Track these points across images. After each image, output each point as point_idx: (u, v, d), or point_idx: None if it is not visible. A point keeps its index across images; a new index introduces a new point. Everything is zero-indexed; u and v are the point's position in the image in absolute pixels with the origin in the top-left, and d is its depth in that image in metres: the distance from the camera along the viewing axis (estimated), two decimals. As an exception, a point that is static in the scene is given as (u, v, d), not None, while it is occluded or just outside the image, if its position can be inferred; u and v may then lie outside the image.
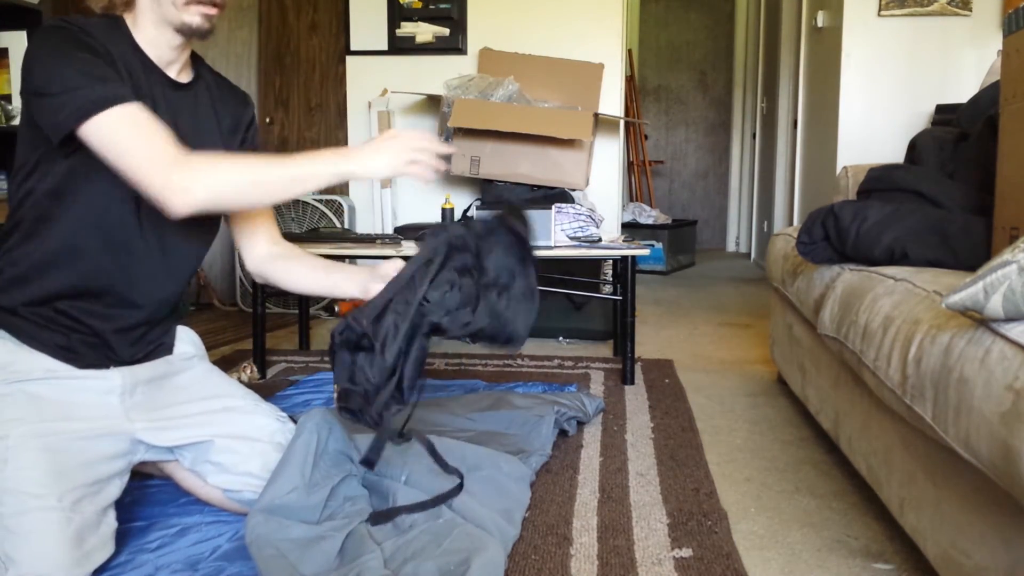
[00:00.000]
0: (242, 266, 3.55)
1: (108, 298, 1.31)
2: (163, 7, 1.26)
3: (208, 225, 1.42)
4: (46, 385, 1.26)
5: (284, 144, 3.88)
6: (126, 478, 1.31)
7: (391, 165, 1.21)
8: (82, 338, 1.30)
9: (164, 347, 1.45)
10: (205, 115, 1.39)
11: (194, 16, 1.26)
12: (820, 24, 3.91)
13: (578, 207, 2.57)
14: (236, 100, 1.47)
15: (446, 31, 3.63)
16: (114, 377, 1.33)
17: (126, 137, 1.14)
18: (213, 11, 1.28)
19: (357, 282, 1.40)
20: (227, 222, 1.49)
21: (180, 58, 1.34)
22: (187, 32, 1.28)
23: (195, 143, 1.30)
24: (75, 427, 1.24)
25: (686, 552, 1.29)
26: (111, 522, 1.24)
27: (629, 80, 5.92)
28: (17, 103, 2.73)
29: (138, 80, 1.26)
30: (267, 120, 3.80)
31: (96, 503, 1.21)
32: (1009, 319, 0.88)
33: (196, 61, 1.41)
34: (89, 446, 1.25)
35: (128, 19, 1.29)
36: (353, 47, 3.73)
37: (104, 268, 1.29)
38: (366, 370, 1.18)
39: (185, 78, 1.37)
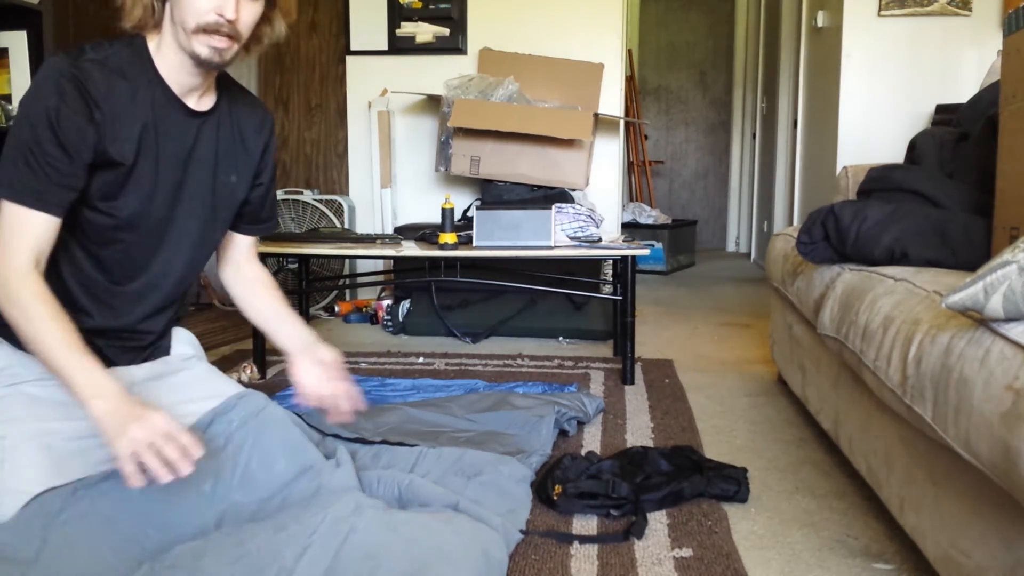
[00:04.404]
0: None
1: (102, 315, 1.32)
2: (178, 33, 1.22)
3: (209, 247, 1.42)
4: (42, 386, 1.26)
5: (284, 144, 3.88)
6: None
7: (118, 437, 1.07)
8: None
9: (160, 350, 1.45)
10: (227, 141, 1.37)
11: (202, 47, 1.21)
12: (820, 24, 3.91)
13: (578, 207, 2.57)
14: (255, 122, 1.43)
15: (446, 31, 3.63)
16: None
17: (3, 228, 1.16)
18: (223, 44, 1.21)
19: (293, 347, 1.42)
20: None
21: (201, 85, 1.30)
22: (198, 63, 1.24)
23: (219, 170, 1.32)
24: (73, 427, 1.24)
25: (686, 552, 1.29)
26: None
27: (629, 80, 5.92)
28: (17, 103, 2.73)
29: (144, 116, 1.24)
30: (267, 120, 3.79)
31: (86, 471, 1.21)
32: (1009, 319, 0.88)
33: (221, 83, 1.36)
34: (87, 446, 1.24)
35: (153, 42, 1.26)
36: (353, 47, 3.73)
37: (99, 291, 1.31)
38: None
39: (206, 104, 1.33)
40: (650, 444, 1.83)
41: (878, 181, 1.81)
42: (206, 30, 1.19)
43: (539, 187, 3.20)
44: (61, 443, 1.22)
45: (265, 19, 1.28)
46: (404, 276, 3.26)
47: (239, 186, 1.41)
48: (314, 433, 1.51)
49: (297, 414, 1.50)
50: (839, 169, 2.56)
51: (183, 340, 1.51)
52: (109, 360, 1.33)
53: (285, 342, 1.44)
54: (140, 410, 1.09)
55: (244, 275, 1.51)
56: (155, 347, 1.44)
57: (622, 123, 3.71)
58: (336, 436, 1.64)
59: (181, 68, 1.26)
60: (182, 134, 1.30)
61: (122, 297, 1.32)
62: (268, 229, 1.54)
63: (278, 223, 1.53)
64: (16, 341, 1.27)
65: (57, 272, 1.26)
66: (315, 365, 1.39)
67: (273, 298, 1.50)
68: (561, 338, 3.07)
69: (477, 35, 3.63)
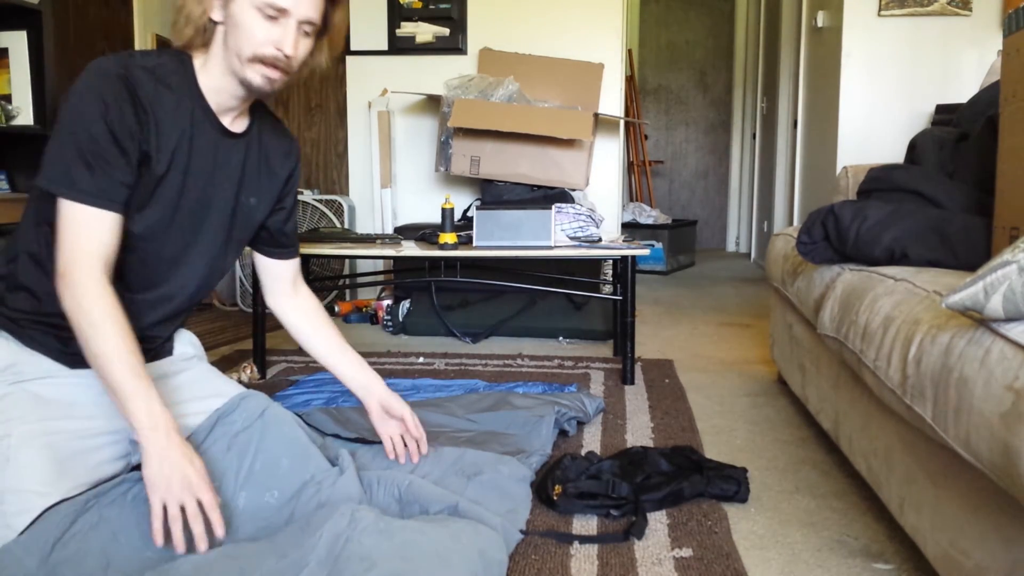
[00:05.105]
0: (242, 267, 3.55)
1: None
2: (230, 58, 1.24)
3: (223, 266, 1.43)
4: (47, 385, 1.26)
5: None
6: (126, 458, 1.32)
7: (159, 484, 1.10)
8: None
9: (165, 351, 1.46)
10: (253, 165, 1.39)
11: (255, 75, 1.23)
12: (820, 24, 3.91)
13: (578, 207, 2.57)
14: (282, 150, 1.45)
15: (446, 31, 3.63)
16: None
17: (68, 229, 1.16)
18: (276, 75, 1.24)
19: (358, 391, 1.50)
20: (252, 251, 1.53)
21: (239, 107, 1.33)
22: (248, 89, 1.26)
23: (242, 191, 1.36)
24: (76, 426, 1.24)
25: (686, 552, 1.29)
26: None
27: (629, 80, 5.92)
28: (17, 103, 2.73)
29: (181, 127, 1.26)
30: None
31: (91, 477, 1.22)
32: (1009, 319, 0.88)
33: (254, 108, 1.39)
34: (90, 445, 1.25)
35: (199, 60, 1.28)
36: (353, 47, 3.73)
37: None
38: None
39: (239, 127, 1.35)
40: (650, 444, 1.83)
41: (878, 181, 1.81)
42: (263, 61, 1.22)
43: (539, 187, 3.20)
44: (64, 443, 1.22)
45: (311, 51, 1.31)
46: (404, 276, 3.26)
47: (258, 208, 1.43)
48: (316, 435, 1.51)
49: (297, 414, 1.50)
50: (839, 169, 2.57)
51: (185, 340, 1.52)
52: None
53: (348, 383, 1.51)
54: (186, 460, 1.12)
55: (295, 305, 1.53)
56: (160, 348, 1.44)
57: (622, 123, 3.71)
58: (336, 436, 1.64)
59: (224, 90, 1.28)
60: (213, 152, 1.31)
61: (136, 305, 1.31)
62: (292, 254, 1.54)
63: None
64: (20, 335, 1.28)
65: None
66: (391, 419, 1.49)
67: (327, 334, 1.53)
68: (561, 338, 3.07)
69: (477, 35, 3.63)
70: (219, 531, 1.13)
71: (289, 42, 1.21)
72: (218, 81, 1.27)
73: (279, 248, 1.53)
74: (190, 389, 1.43)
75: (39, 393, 1.25)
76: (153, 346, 1.42)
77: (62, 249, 1.15)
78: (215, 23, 1.25)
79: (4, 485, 1.14)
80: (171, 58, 1.26)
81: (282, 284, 1.54)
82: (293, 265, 1.54)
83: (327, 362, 1.54)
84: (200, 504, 1.12)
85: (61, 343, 1.28)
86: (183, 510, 1.11)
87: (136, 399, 1.13)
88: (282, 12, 1.20)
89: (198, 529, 1.10)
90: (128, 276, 1.29)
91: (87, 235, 1.16)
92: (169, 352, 1.47)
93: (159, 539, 1.09)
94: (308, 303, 1.55)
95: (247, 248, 1.52)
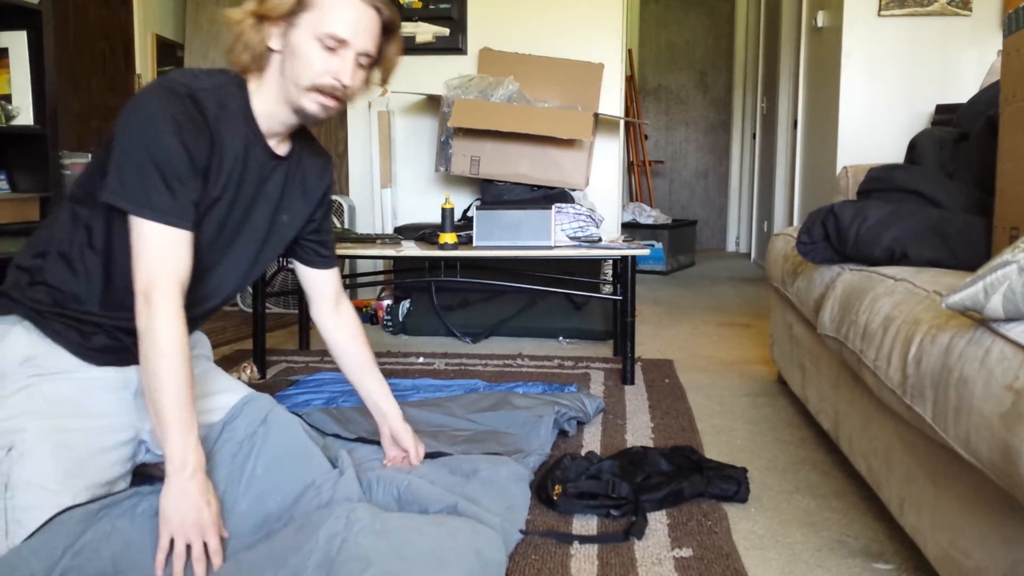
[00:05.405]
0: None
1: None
2: (287, 86, 1.26)
3: (248, 281, 1.46)
4: (65, 381, 1.27)
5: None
6: (129, 479, 1.33)
7: (172, 520, 1.13)
8: (105, 341, 1.31)
9: None
10: (292, 187, 1.42)
11: (311, 103, 1.26)
12: (820, 24, 3.91)
13: (578, 207, 2.57)
14: (318, 168, 1.49)
15: (446, 31, 3.63)
16: (132, 374, 1.34)
17: (147, 249, 1.18)
18: (332, 103, 1.28)
19: (376, 415, 1.55)
20: (294, 265, 1.57)
21: (285, 132, 1.36)
22: (301, 116, 1.30)
23: (278, 211, 1.40)
24: (91, 424, 1.26)
25: (686, 552, 1.29)
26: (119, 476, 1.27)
27: (629, 80, 5.92)
28: (17, 103, 2.73)
29: (236, 151, 1.28)
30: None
31: (103, 479, 1.24)
32: (1009, 319, 0.88)
33: (295, 132, 1.41)
34: (103, 445, 1.26)
35: (253, 83, 1.30)
36: (353, 47, 3.72)
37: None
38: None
39: (283, 150, 1.38)
40: (650, 444, 1.83)
41: (878, 181, 1.81)
42: (320, 90, 1.25)
43: (539, 187, 3.20)
44: (78, 441, 1.23)
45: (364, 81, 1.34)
46: (404, 276, 3.26)
47: (291, 226, 1.46)
48: (317, 436, 1.51)
49: (296, 414, 1.50)
50: (839, 169, 2.57)
51: (193, 340, 1.52)
52: (135, 356, 1.34)
53: (368, 404, 1.57)
54: (204, 502, 1.15)
55: (337, 324, 1.56)
56: None
57: (622, 123, 3.71)
58: (336, 436, 1.64)
59: (275, 116, 1.31)
60: (259, 173, 1.35)
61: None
62: (328, 264, 1.56)
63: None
64: (42, 325, 1.28)
65: (113, 270, 1.26)
66: (398, 447, 1.54)
67: (361, 353, 1.56)
68: (561, 338, 3.07)
69: (477, 35, 3.62)
70: (216, 561, 1.15)
71: (347, 72, 1.25)
72: (271, 107, 1.30)
73: (316, 257, 1.55)
74: (202, 384, 1.44)
75: (57, 389, 1.26)
76: None
77: (140, 268, 1.18)
78: (272, 51, 1.27)
79: (16, 479, 1.15)
80: (230, 81, 1.29)
81: (325, 299, 1.56)
82: (333, 277, 1.57)
83: (354, 380, 1.58)
84: (205, 545, 1.15)
85: (82, 337, 1.29)
86: (189, 547, 1.14)
87: (176, 432, 1.15)
88: (342, 43, 1.24)
89: (199, 570, 1.12)
90: None
91: (166, 254, 1.18)
92: None
93: (160, 571, 1.12)
94: (349, 322, 1.57)
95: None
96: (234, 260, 1.38)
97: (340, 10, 1.23)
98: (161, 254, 1.18)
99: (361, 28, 1.25)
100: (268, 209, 1.39)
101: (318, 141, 1.52)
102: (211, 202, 1.27)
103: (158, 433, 1.17)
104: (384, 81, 1.38)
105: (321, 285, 1.56)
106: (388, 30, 1.32)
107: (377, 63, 1.34)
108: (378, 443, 1.58)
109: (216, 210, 1.29)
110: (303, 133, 1.45)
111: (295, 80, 1.25)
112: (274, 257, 1.48)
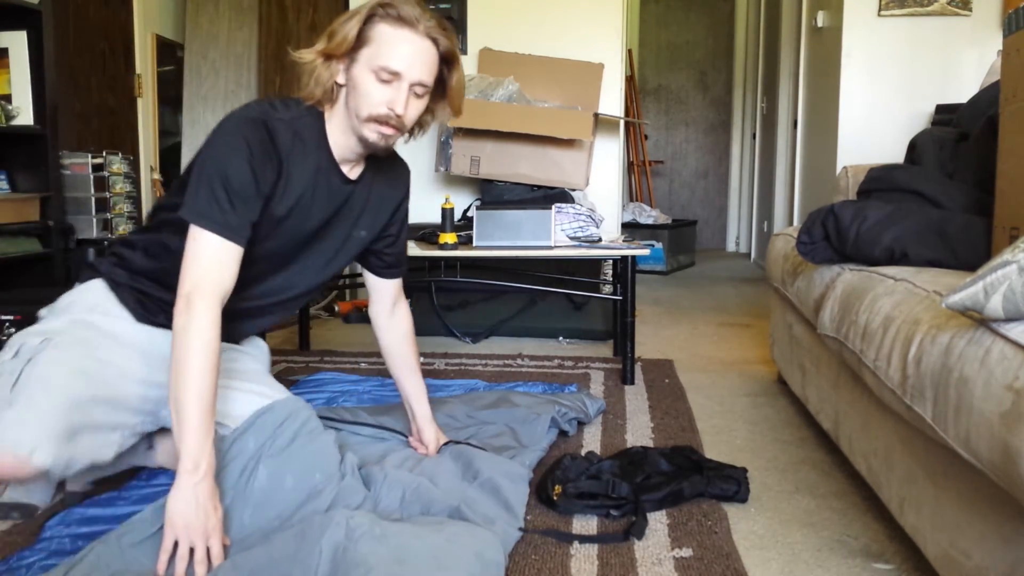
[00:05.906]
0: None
1: None
2: (351, 117, 1.35)
3: (314, 292, 1.57)
4: (118, 324, 1.39)
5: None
6: (132, 441, 1.38)
7: (178, 523, 1.17)
8: (164, 321, 1.36)
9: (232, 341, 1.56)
10: (361, 207, 1.51)
11: (371, 132, 1.34)
12: (820, 24, 3.91)
13: (578, 207, 2.57)
14: (392, 179, 1.56)
15: (446, 31, 3.62)
16: None
17: (200, 256, 1.27)
18: (390, 131, 1.35)
19: (409, 410, 1.68)
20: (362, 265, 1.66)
21: (357, 159, 1.45)
22: (365, 144, 1.38)
23: (356, 227, 1.51)
24: (119, 370, 1.35)
25: (686, 552, 1.29)
26: (111, 442, 1.31)
27: (629, 80, 5.92)
28: (17, 103, 2.74)
29: (306, 178, 1.38)
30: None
31: (105, 417, 1.29)
32: (1009, 319, 0.88)
33: (369, 158, 1.48)
34: (118, 392, 1.33)
35: (327, 114, 1.39)
36: (353, 47, 3.73)
37: None
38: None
39: (355, 174, 1.47)
40: (650, 444, 1.83)
41: (878, 181, 1.81)
42: (377, 120, 1.33)
43: (539, 187, 3.20)
44: (100, 375, 1.31)
45: (428, 110, 1.42)
46: (404, 276, 3.25)
47: (365, 239, 1.56)
48: (331, 445, 1.47)
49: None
50: (839, 169, 2.57)
51: (253, 343, 1.65)
52: None
53: (404, 399, 1.69)
54: (211, 507, 1.19)
55: (389, 325, 1.67)
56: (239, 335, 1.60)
57: (622, 123, 3.71)
58: (355, 423, 1.73)
59: (345, 145, 1.41)
60: (333, 197, 1.44)
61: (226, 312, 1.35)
62: (395, 274, 1.66)
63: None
64: (118, 291, 1.42)
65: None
66: (420, 443, 1.65)
67: (407, 353, 1.68)
68: (561, 338, 3.07)
69: (477, 35, 3.62)
70: (217, 561, 1.18)
71: (400, 102, 1.32)
72: (341, 137, 1.40)
73: (383, 268, 1.64)
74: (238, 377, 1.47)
75: (107, 325, 1.38)
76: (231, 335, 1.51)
77: (189, 272, 1.25)
78: (340, 86, 1.36)
79: (16, 417, 1.19)
80: (307, 112, 1.38)
81: (383, 302, 1.67)
82: (395, 284, 1.66)
83: (395, 376, 1.69)
84: (207, 550, 1.17)
85: (144, 309, 1.42)
86: (192, 550, 1.16)
87: (193, 434, 1.19)
88: (395, 75, 1.31)
89: (200, 572, 1.15)
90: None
91: (214, 264, 1.26)
92: (236, 340, 1.58)
93: (162, 570, 1.15)
94: (402, 325, 1.68)
95: None
96: (309, 262, 1.49)
97: (396, 45, 1.31)
98: (210, 263, 1.26)
99: (416, 61, 1.32)
100: (347, 226, 1.50)
101: (398, 155, 1.58)
102: (277, 219, 1.37)
103: (175, 431, 1.20)
104: (456, 111, 1.45)
105: (382, 289, 1.66)
106: (447, 60, 1.38)
107: (444, 91, 1.42)
108: (391, 431, 1.67)
109: (288, 225, 1.39)
110: (374, 158, 1.50)
111: (356, 111, 1.34)
112: (347, 261, 1.57)
